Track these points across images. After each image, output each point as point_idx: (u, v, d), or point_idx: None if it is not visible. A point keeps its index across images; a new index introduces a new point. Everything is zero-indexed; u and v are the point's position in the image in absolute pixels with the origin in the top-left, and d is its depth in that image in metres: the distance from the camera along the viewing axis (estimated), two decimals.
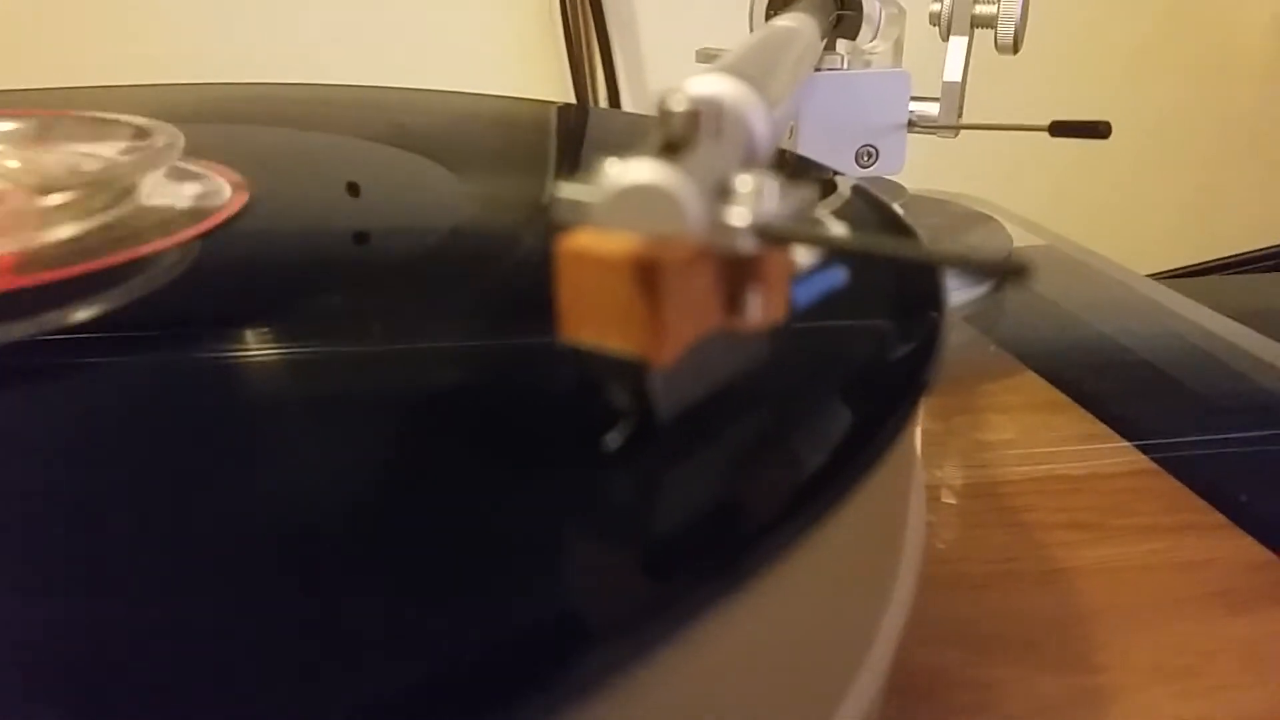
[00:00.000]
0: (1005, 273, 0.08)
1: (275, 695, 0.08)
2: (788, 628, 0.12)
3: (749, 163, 0.13)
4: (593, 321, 0.10)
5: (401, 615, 0.08)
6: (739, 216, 0.10)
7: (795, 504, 0.11)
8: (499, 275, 0.17)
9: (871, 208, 0.21)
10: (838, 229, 0.13)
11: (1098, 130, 0.30)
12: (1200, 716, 0.19)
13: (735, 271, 0.11)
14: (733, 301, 0.11)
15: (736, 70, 0.13)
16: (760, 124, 0.12)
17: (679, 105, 0.10)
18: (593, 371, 0.11)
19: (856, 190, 0.22)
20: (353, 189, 0.24)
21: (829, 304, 0.14)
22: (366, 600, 0.09)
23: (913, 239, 0.09)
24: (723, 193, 0.10)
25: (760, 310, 0.11)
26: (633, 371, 0.10)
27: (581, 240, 0.10)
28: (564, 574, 0.10)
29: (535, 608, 0.09)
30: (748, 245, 0.10)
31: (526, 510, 0.10)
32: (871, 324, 0.15)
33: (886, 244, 0.09)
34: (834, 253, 0.10)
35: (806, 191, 0.11)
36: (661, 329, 0.10)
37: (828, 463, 0.11)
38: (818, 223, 0.14)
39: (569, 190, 0.11)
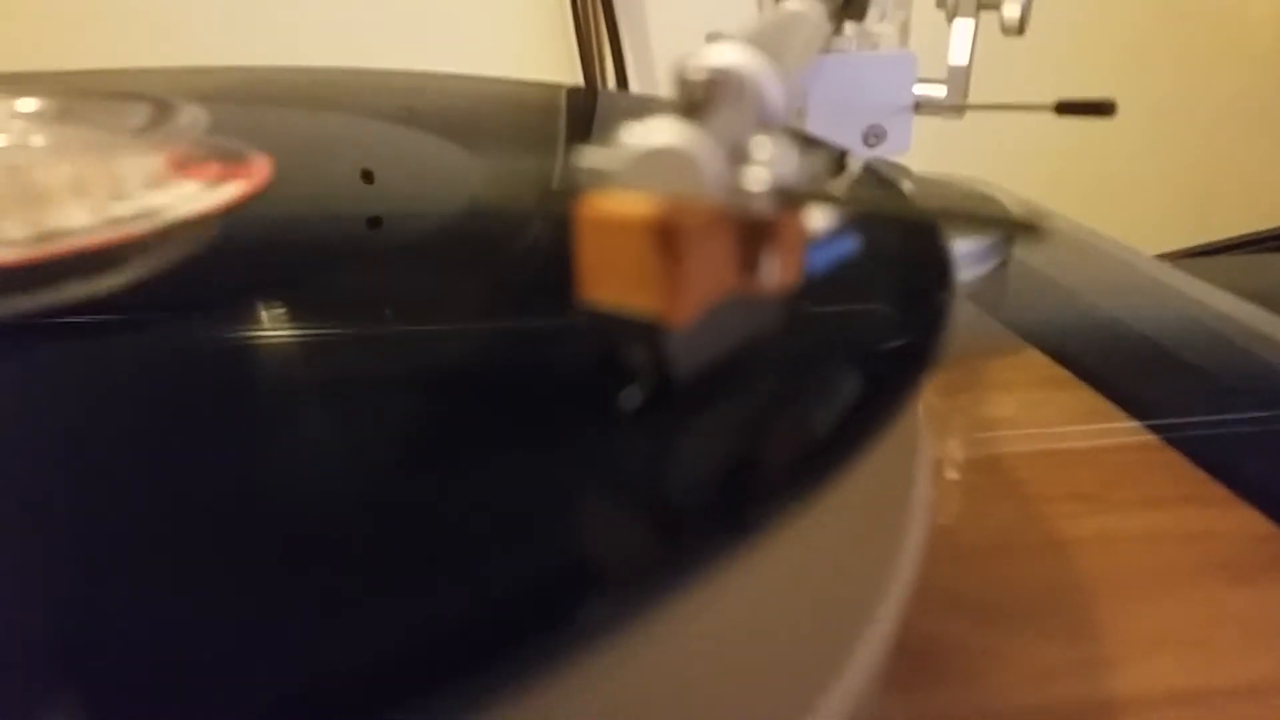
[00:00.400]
0: (1019, 228, 0.08)
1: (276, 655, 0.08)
2: (792, 594, 0.12)
3: (765, 130, 0.13)
4: (612, 282, 0.11)
5: (395, 568, 0.09)
6: (757, 179, 0.10)
7: (800, 470, 0.11)
8: (523, 243, 0.17)
9: (879, 184, 0.21)
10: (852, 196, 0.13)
11: (1103, 108, 0.30)
12: (1200, 686, 0.19)
13: (752, 235, 0.11)
14: (749, 264, 0.11)
15: (754, 39, 0.13)
16: (776, 93, 0.12)
17: (698, 73, 0.10)
18: (611, 331, 0.11)
19: (865, 168, 0.22)
20: (368, 174, 0.24)
21: (840, 278, 0.14)
22: (374, 550, 0.09)
23: (928, 202, 0.09)
24: (740, 157, 0.10)
25: (775, 273, 0.11)
26: (650, 332, 0.11)
27: (601, 203, 0.11)
28: (578, 531, 0.10)
29: (551, 564, 0.09)
30: (765, 208, 0.10)
31: (545, 469, 0.10)
32: (881, 298, 0.16)
33: (902, 205, 0.09)
34: (852, 214, 0.10)
35: (819, 159, 0.11)
36: (679, 290, 0.10)
37: (832, 432, 0.11)
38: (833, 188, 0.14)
39: (589, 156, 0.11)
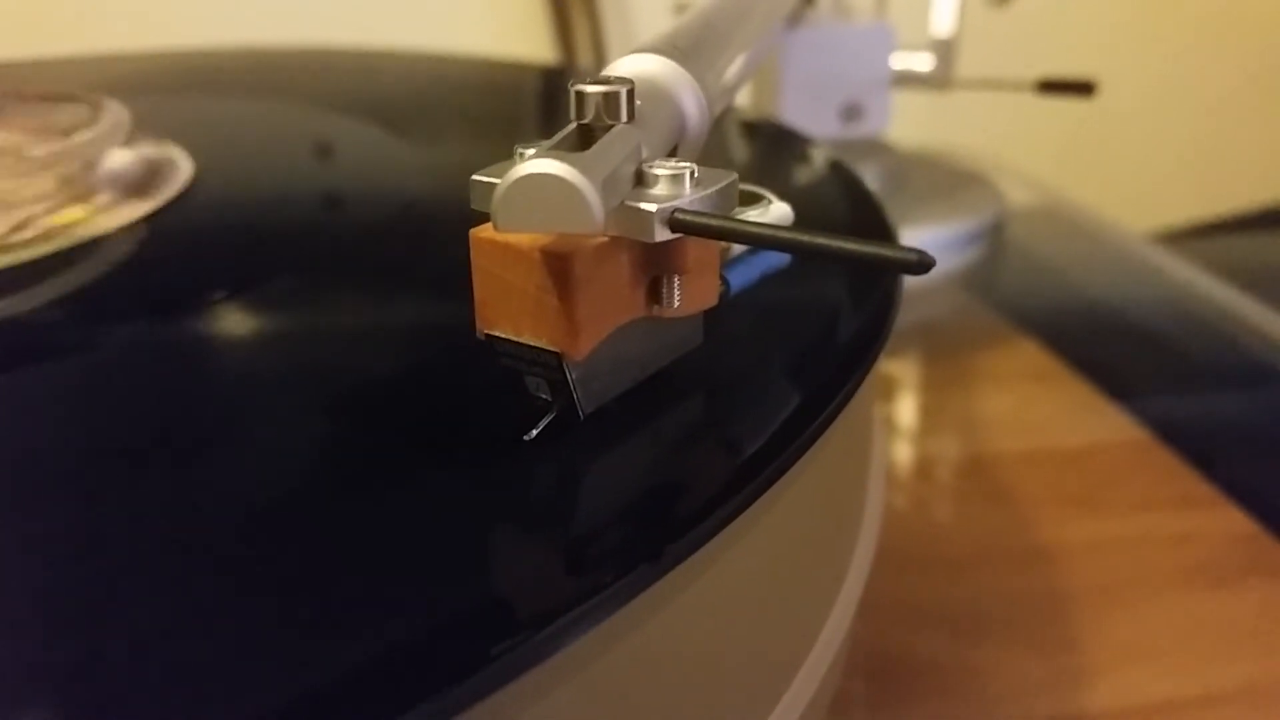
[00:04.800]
0: (907, 268, 0.08)
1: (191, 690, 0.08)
2: (734, 608, 0.12)
3: (681, 139, 0.13)
4: (507, 314, 0.11)
5: (311, 608, 0.09)
6: (651, 205, 0.10)
7: (726, 489, 0.11)
8: (425, 267, 0.17)
9: (843, 183, 0.21)
10: (771, 212, 0.14)
11: (1083, 88, 0.31)
12: (1177, 693, 0.20)
13: (653, 260, 0.11)
14: (654, 290, 0.11)
15: (669, 45, 0.13)
16: (690, 102, 0.13)
17: (594, 88, 0.11)
18: (512, 363, 0.11)
19: (832, 164, 0.22)
20: (308, 167, 0.24)
21: (765, 289, 0.14)
22: (284, 591, 0.09)
23: (823, 233, 0.09)
24: (638, 179, 0.11)
25: (683, 298, 0.11)
26: (552, 362, 0.11)
27: (493, 234, 0.11)
28: (489, 567, 0.10)
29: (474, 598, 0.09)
30: (661, 235, 0.10)
31: (449, 501, 0.11)
32: (818, 294, 0.16)
33: (794, 237, 0.09)
34: (745, 243, 0.10)
35: (729, 176, 0.11)
36: (575, 321, 0.10)
37: (760, 447, 0.12)
38: (760, 196, 0.14)
39: (483, 175, 0.11)
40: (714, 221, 0.10)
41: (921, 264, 0.08)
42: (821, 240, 0.09)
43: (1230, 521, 0.24)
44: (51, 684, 0.08)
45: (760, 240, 0.09)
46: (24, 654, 0.09)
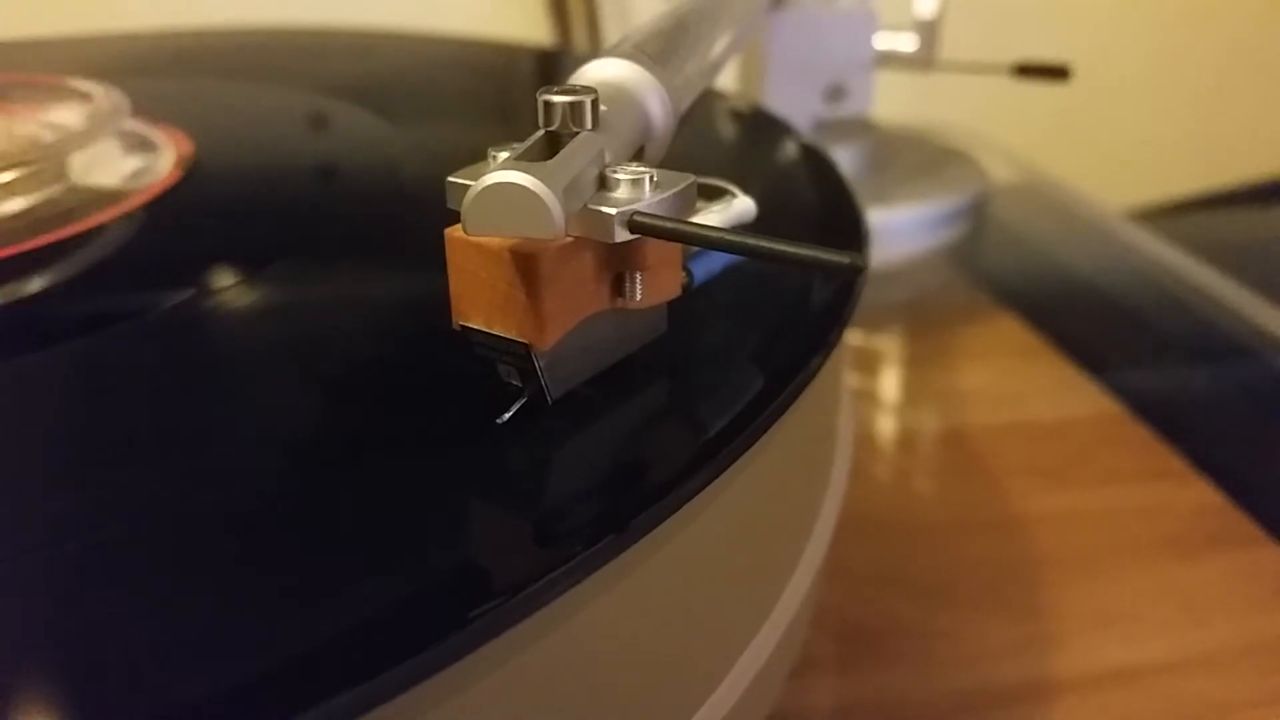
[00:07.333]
0: (841, 271, 0.09)
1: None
2: (690, 579, 0.13)
3: (647, 139, 0.14)
4: (479, 307, 0.12)
5: (273, 585, 0.10)
6: (611, 208, 0.11)
7: (689, 466, 0.12)
8: (402, 256, 0.18)
9: (817, 170, 0.22)
10: (733, 207, 0.14)
11: (1058, 72, 0.31)
12: (1140, 661, 0.20)
13: (616, 257, 0.12)
14: (617, 285, 0.12)
15: (638, 51, 0.14)
16: (656, 106, 0.13)
17: (560, 98, 0.11)
18: (485, 351, 0.12)
19: (807, 151, 0.23)
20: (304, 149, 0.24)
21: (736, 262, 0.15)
22: (262, 560, 0.10)
23: (766, 237, 0.10)
24: (601, 183, 0.11)
25: (645, 292, 0.12)
26: (522, 352, 0.12)
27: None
28: (465, 538, 0.11)
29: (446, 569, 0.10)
30: (621, 236, 0.11)
31: (426, 479, 0.11)
32: (782, 278, 0.16)
33: (740, 240, 0.10)
34: (694, 244, 0.11)
35: (687, 180, 0.12)
36: (541, 315, 0.11)
37: (722, 426, 0.12)
38: (724, 190, 0.15)
39: (457, 177, 0.12)
40: (668, 224, 0.11)
41: (854, 268, 0.09)
42: (764, 244, 0.10)
43: (1199, 494, 0.25)
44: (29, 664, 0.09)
45: (707, 242, 0.10)
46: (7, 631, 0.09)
